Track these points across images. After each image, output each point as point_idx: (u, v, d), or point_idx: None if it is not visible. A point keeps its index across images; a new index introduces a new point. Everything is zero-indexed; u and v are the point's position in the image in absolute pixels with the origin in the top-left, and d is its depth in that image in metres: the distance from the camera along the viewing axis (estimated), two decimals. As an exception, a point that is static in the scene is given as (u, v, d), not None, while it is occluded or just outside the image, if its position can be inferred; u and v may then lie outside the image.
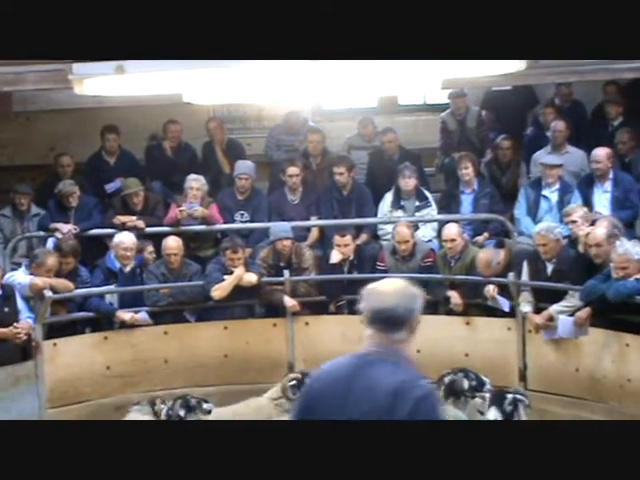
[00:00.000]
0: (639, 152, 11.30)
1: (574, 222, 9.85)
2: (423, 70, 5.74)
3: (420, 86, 9.86)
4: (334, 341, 10.30)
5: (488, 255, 10.04)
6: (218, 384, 10.16)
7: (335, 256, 10.58)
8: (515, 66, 5.65)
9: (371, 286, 4.14)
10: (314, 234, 11.36)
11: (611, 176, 10.82)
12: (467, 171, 11.16)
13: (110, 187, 11.75)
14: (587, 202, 10.60)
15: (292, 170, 11.39)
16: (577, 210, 10.03)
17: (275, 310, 10.62)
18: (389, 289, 4.12)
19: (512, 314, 9.83)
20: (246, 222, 11.37)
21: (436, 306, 10.39)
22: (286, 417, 8.21)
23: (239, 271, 10.36)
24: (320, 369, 4.26)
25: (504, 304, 9.84)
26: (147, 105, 10.07)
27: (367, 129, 12.52)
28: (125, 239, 10.40)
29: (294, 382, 8.57)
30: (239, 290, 10.42)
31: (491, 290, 9.85)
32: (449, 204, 11.41)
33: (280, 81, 5.76)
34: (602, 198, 10.83)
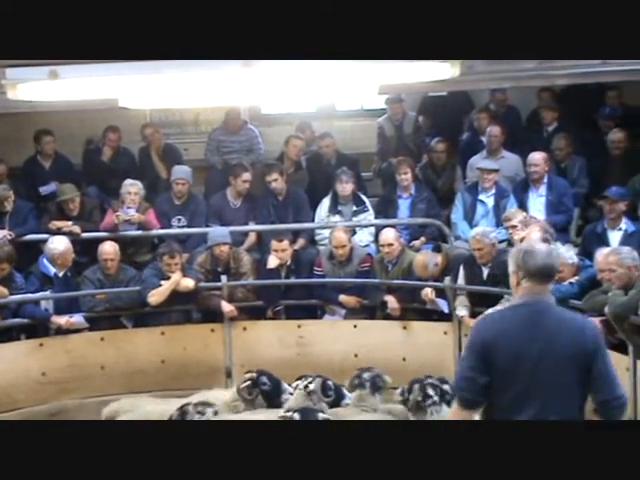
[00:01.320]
0: (575, 158, 11.44)
1: (514, 227, 9.93)
2: (360, 75, 5.78)
3: (357, 91, 9.94)
4: (272, 346, 10.31)
5: (425, 258, 10.10)
6: (155, 390, 10.08)
7: (272, 261, 10.58)
8: (450, 72, 5.71)
9: (526, 247, 5.21)
10: (251, 239, 11.35)
11: (546, 180, 10.95)
12: (406, 176, 11.22)
13: (44, 190, 11.64)
14: (522, 206, 10.71)
15: (246, 176, 11.39)
16: (517, 215, 10.12)
17: (213, 315, 10.58)
18: (546, 249, 5.15)
19: (449, 318, 9.89)
20: (183, 227, 11.33)
21: (373, 311, 10.45)
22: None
23: (176, 276, 10.31)
24: (486, 318, 5.34)
25: (443, 305, 9.91)
26: (83, 109, 9.98)
27: (305, 134, 12.53)
28: (59, 244, 10.30)
29: (249, 382, 8.51)
30: (176, 295, 10.37)
31: (429, 293, 9.91)
32: (386, 209, 11.46)
33: (216, 85, 5.75)
34: (537, 202, 10.95)
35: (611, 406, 5.01)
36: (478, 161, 11.46)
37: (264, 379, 8.45)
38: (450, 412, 5.82)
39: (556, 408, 4.89)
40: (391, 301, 10.13)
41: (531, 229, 9.52)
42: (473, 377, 4.91)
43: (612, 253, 8.31)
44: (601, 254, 8.49)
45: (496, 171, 10.99)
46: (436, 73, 5.68)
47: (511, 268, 5.14)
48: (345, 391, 8.40)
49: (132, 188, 10.97)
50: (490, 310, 9.33)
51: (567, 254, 8.91)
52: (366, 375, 8.53)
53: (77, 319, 10.27)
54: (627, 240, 9.52)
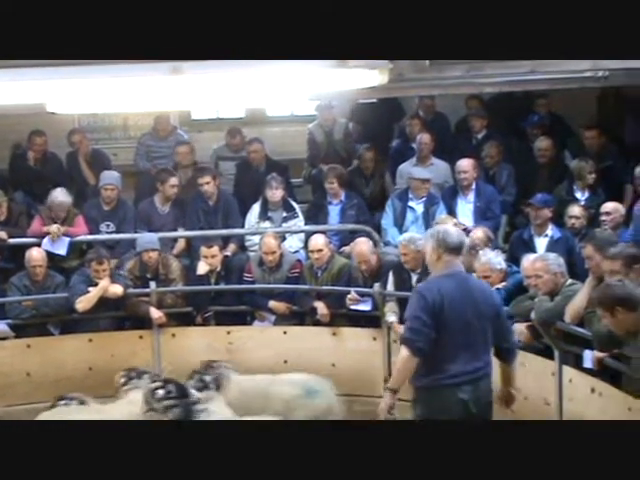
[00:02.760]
0: (503, 165, 11.56)
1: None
2: (290, 82, 5.79)
3: (288, 97, 9.96)
4: (201, 352, 10.22)
5: (364, 246, 10.09)
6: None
7: (202, 267, 10.53)
8: (378, 79, 5.75)
9: (440, 228, 6.75)
10: (180, 245, 11.29)
11: (474, 187, 11.05)
12: (332, 185, 11.28)
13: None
14: (451, 213, 10.80)
15: (173, 181, 11.31)
16: (447, 221, 10.17)
17: (141, 322, 10.50)
18: (457, 230, 6.85)
19: (378, 324, 9.93)
20: (112, 233, 11.23)
21: (303, 317, 10.45)
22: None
23: (104, 283, 10.22)
24: (429, 286, 6.49)
25: (364, 303, 9.94)
26: (11, 114, 9.85)
27: (235, 140, 12.51)
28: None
29: (154, 391, 8.34)
30: (104, 302, 10.27)
31: (353, 295, 9.94)
32: (316, 215, 11.48)
33: (145, 91, 5.73)
34: (465, 209, 11.05)
35: (511, 350, 6.77)
36: (408, 168, 11.52)
37: (170, 387, 8.30)
38: (401, 359, 6.43)
39: (480, 356, 6.41)
40: (320, 307, 10.14)
41: (473, 233, 9.61)
42: (428, 332, 6.23)
43: (539, 259, 8.41)
44: (528, 260, 8.59)
45: (429, 180, 11.06)
46: (365, 80, 5.73)
47: (430, 246, 6.49)
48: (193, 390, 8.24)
49: (59, 197, 10.84)
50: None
51: (495, 260, 8.99)
52: (208, 378, 8.46)
53: (2, 327, 10.12)
54: (553, 246, 9.63)
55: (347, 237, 11.11)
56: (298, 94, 7.41)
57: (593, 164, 10.72)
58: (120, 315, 10.58)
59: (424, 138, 11.64)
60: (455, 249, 6.44)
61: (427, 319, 6.23)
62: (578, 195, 10.67)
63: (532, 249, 9.65)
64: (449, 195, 11.20)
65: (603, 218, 9.68)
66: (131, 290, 10.43)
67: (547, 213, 9.98)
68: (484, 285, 6.91)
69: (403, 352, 6.34)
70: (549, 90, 11.68)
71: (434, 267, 6.52)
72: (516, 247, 9.99)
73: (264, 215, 11.32)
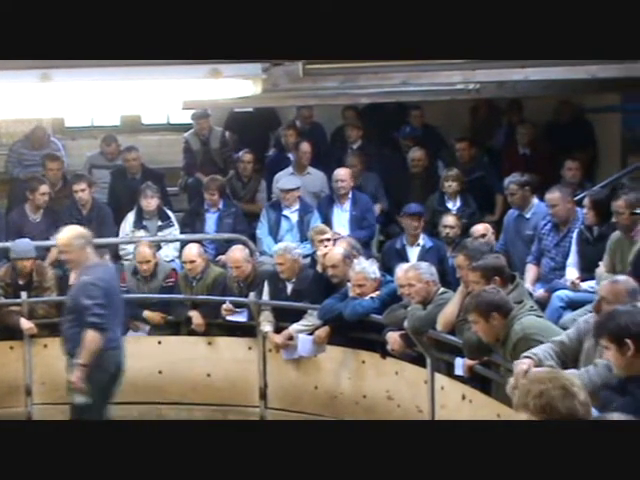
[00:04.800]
0: (367, 174, 11.69)
1: (328, 240, 10.00)
2: (165, 90, 5.77)
3: (162, 106, 9.90)
4: (73, 363, 10.10)
5: (239, 254, 10.07)
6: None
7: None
8: (252, 89, 5.77)
9: None
10: (53, 254, 11.08)
11: (350, 196, 11.15)
12: (213, 197, 11.26)
13: None
14: (327, 222, 10.86)
15: (44, 188, 11.11)
16: (323, 231, 10.24)
17: (12, 332, 10.27)
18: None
19: (253, 334, 9.93)
20: (-19, 242, 10.98)
21: (178, 327, 10.37)
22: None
23: (-29, 292, 9.99)
24: (99, 275, 8.02)
25: (240, 315, 9.93)
26: None
27: (110, 147, 12.37)
28: None
29: None
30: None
31: (227, 305, 9.92)
32: (193, 222, 11.44)
33: (15, 98, 5.63)
34: (342, 218, 11.14)
35: None
36: (283, 177, 11.57)
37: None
38: (90, 339, 7.83)
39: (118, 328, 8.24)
40: (195, 317, 10.08)
41: (337, 244, 9.67)
42: (103, 313, 7.85)
43: (411, 268, 8.51)
44: (401, 269, 8.69)
45: (296, 189, 11.11)
46: (238, 90, 5.74)
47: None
48: None
49: None
50: (296, 325, 9.50)
51: (370, 269, 9.07)
52: None
53: None
54: (425, 255, 9.78)
55: (223, 246, 11.08)
56: (172, 103, 7.37)
57: (458, 173, 10.93)
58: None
59: (304, 147, 11.70)
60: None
61: (102, 300, 7.87)
62: (450, 205, 10.87)
63: (405, 258, 9.78)
64: (325, 204, 11.28)
65: (480, 241, 9.84)
66: (1, 300, 10.20)
67: (420, 223, 10.13)
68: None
69: (93, 334, 7.83)
70: (423, 101, 11.88)
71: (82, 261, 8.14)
72: (389, 257, 10.12)
73: (139, 224, 11.22)
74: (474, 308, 6.95)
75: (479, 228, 9.87)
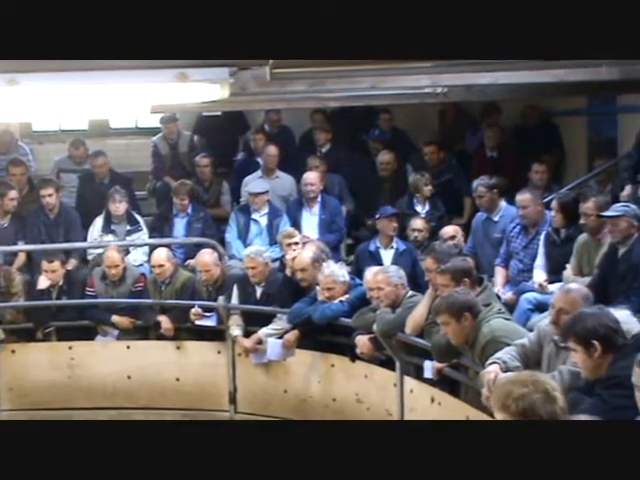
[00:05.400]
0: (332, 176, 11.70)
1: (296, 244, 9.99)
2: (133, 94, 5.74)
3: (130, 110, 9.86)
4: (42, 369, 10.07)
5: (208, 257, 10.06)
6: None
7: (42, 282, 10.30)
8: (219, 93, 5.75)
9: None
10: (21, 259, 11.03)
11: (319, 200, 11.16)
12: (183, 202, 11.24)
13: None
14: (296, 225, 10.85)
15: (12, 194, 11.06)
16: (295, 234, 10.24)
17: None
18: None
19: (222, 338, 9.91)
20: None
21: (147, 331, 10.34)
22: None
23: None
24: None
25: (209, 319, 9.92)
26: None
27: (78, 151, 12.30)
28: None
29: None
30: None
31: (196, 310, 9.90)
32: (162, 227, 11.40)
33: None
34: (311, 221, 11.14)
35: None
36: (252, 181, 11.56)
37: None
38: None
39: None
40: (164, 321, 10.04)
41: (305, 248, 9.67)
42: None
43: (380, 272, 8.52)
44: (370, 273, 8.69)
45: (264, 193, 11.11)
46: (206, 94, 5.72)
47: None
48: None
49: None
50: (265, 329, 9.49)
51: (339, 272, 9.08)
52: None
53: None
54: (399, 258, 9.79)
55: (192, 251, 11.05)
56: (139, 107, 7.35)
57: (429, 177, 10.97)
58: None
59: (271, 150, 11.70)
60: None
61: None
62: (418, 208, 10.89)
63: (379, 261, 9.76)
64: (294, 208, 11.28)
65: (449, 243, 9.88)
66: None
67: (397, 223, 10.14)
68: None
69: None
70: (393, 105, 11.92)
71: None
72: (362, 260, 10.05)
73: (107, 228, 11.17)
74: (446, 309, 6.94)
75: (448, 230, 9.92)
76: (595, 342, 5.11)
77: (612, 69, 7.51)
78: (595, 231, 8.18)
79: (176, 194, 11.30)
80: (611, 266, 7.66)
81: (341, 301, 8.95)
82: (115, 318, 10.25)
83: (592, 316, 5.24)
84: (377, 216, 10.28)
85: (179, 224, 11.37)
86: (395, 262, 9.60)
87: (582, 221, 8.32)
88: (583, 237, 8.35)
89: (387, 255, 10.06)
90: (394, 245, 10.11)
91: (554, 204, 8.87)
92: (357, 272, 9.54)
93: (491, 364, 6.28)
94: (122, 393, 10.06)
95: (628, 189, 9.24)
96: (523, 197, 9.25)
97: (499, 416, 4.21)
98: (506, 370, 6.15)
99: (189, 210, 11.33)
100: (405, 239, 10.30)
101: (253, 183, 11.45)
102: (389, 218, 10.14)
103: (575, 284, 6.89)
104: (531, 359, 6.26)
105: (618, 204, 8.02)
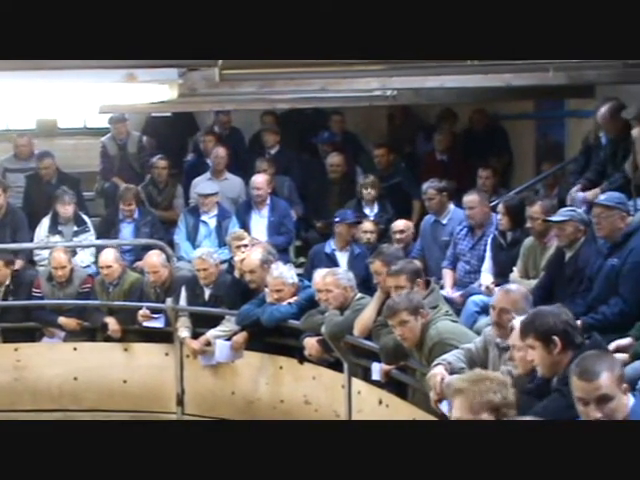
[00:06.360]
0: (281, 178, 11.70)
1: (245, 246, 9.97)
2: (81, 94, 5.71)
3: (78, 109, 9.81)
4: (-13, 371, 9.97)
5: (156, 258, 10.01)
6: None
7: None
8: (168, 94, 5.74)
9: None
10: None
11: (268, 202, 11.15)
12: (130, 207, 11.18)
13: None
14: (245, 227, 10.82)
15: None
16: (245, 236, 10.21)
17: None
18: None
19: (170, 339, 9.87)
20: None
21: (94, 333, 10.27)
22: None
23: None
24: None
25: (157, 320, 9.88)
26: None
27: (22, 140, 12.19)
28: None
29: None
30: None
31: (144, 312, 9.85)
32: (108, 230, 11.31)
33: None
34: (260, 224, 11.12)
35: None
36: (201, 182, 11.53)
37: None
38: None
39: None
40: (112, 323, 9.98)
41: (253, 250, 9.65)
42: None
43: (329, 274, 8.52)
44: (319, 275, 8.70)
45: (214, 194, 11.08)
46: (154, 95, 5.71)
47: None
48: None
49: None
50: (213, 331, 9.46)
51: (288, 274, 9.08)
52: None
53: None
54: (354, 261, 9.79)
55: (140, 253, 10.99)
56: (87, 107, 7.31)
57: (375, 179, 11.00)
58: None
59: (219, 152, 11.67)
60: None
61: None
62: (367, 211, 10.92)
63: (335, 264, 9.71)
64: (243, 210, 11.26)
65: (397, 237, 9.93)
66: None
67: (356, 229, 10.14)
68: None
69: None
70: (343, 108, 11.96)
71: None
72: (317, 262, 9.96)
73: (54, 229, 11.08)
74: (405, 308, 6.93)
75: (399, 224, 10.02)
76: (555, 338, 5.14)
77: (559, 74, 7.60)
78: (541, 234, 8.25)
79: (122, 200, 11.22)
80: (557, 269, 7.73)
81: (290, 303, 8.95)
82: (62, 320, 10.17)
83: (551, 313, 5.28)
84: (337, 219, 10.25)
85: (126, 229, 11.29)
86: (350, 264, 9.64)
87: (528, 224, 8.38)
88: (529, 240, 8.42)
89: (343, 257, 10.05)
90: (349, 248, 10.10)
91: (500, 207, 8.93)
92: (311, 274, 9.48)
93: (436, 365, 6.32)
94: (68, 395, 9.99)
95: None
96: (470, 198, 9.32)
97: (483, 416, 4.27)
98: (451, 371, 6.19)
99: (136, 215, 11.26)
100: (355, 242, 10.31)
101: (202, 184, 11.43)
102: (350, 224, 10.13)
103: (514, 284, 6.97)
104: (477, 363, 6.29)
105: (564, 208, 8.08)
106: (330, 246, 10.19)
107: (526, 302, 6.21)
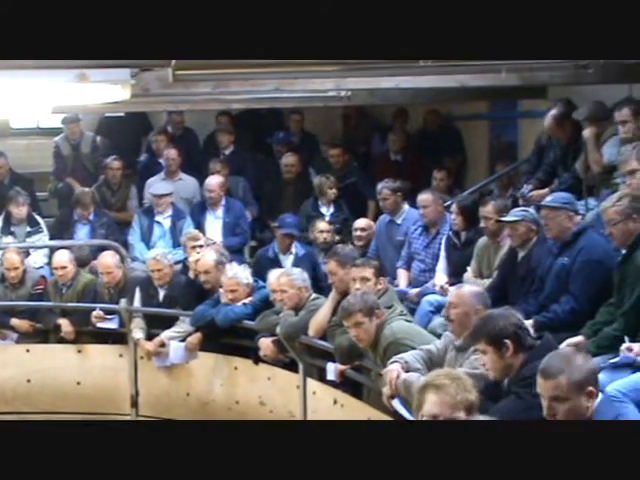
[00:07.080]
0: (236, 178, 11.69)
1: (200, 246, 9.93)
2: (33, 94, 5.68)
3: (29, 109, 9.73)
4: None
5: (109, 259, 9.96)
6: None
7: None
8: (121, 94, 5.72)
9: None
10: None
11: (223, 203, 11.12)
12: (85, 212, 11.11)
13: None
14: (200, 228, 10.79)
15: None
16: (200, 237, 10.18)
17: None
18: None
19: (124, 341, 9.82)
20: None
21: (47, 334, 10.19)
22: None
23: None
24: None
25: (111, 322, 9.82)
26: None
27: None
28: None
29: None
30: None
31: (98, 313, 9.79)
32: (62, 232, 11.24)
33: None
34: (214, 225, 11.09)
35: None
36: (155, 183, 11.48)
37: None
38: None
39: None
40: (65, 324, 9.90)
41: (207, 251, 9.62)
42: None
43: (283, 275, 8.53)
44: (274, 275, 8.70)
45: (168, 195, 11.04)
46: (107, 95, 5.69)
47: None
48: None
49: None
50: (168, 332, 9.43)
51: (242, 274, 9.06)
52: None
53: None
54: (298, 263, 9.77)
55: (94, 254, 10.92)
56: (40, 106, 7.27)
57: (334, 180, 11.02)
58: None
59: (171, 153, 11.64)
60: None
61: None
62: (323, 210, 10.94)
63: (278, 266, 9.73)
64: (198, 210, 11.23)
65: (358, 234, 9.95)
66: None
67: (294, 240, 10.12)
68: None
69: None
70: (298, 108, 11.96)
71: None
72: (262, 265, 9.98)
73: (6, 230, 11.01)
74: (360, 310, 6.92)
75: (361, 222, 10.10)
76: (507, 341, 5.17)
77: (512, 75, 7.65)
78: (494, 234, 8.29)
79: (78, 203, 11.14)
80: (510, 269, 7.78)
81: (244, 303, 8.94)
82: (14, 321, 10.09)
83: (501, 316, 5.31)
84: (277, 224, 10.24)
85: (82, 230, 11.23)
86: (295, 267, 9.60)
87: (482, 224, 8.43)
88: (483, 240, 8.46)
89: (287, 260, 10.03)
90: (293, 250, 10.09)
91: (454, 207, 8.98)
92: (257, 276, 9.48)
93: (393, 363, 6.34)
94: (22, 397, 9.90)
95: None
96: (424, 197, 9.35)
97: (452, 413, 4.29)
98: (407, 370, 6.21)
99: (91, 217, 11.20)
100: (310, 241, 10.32)
101: (156, 185, 11.38)
102: (287, 235, 10.12)
103: (469, 284, 7.00)
104: (436, 364, 6.29)
105: (517, 208, 8.14)
106: (273, 250, 10.17)
107: (477, 300, 6.23)
